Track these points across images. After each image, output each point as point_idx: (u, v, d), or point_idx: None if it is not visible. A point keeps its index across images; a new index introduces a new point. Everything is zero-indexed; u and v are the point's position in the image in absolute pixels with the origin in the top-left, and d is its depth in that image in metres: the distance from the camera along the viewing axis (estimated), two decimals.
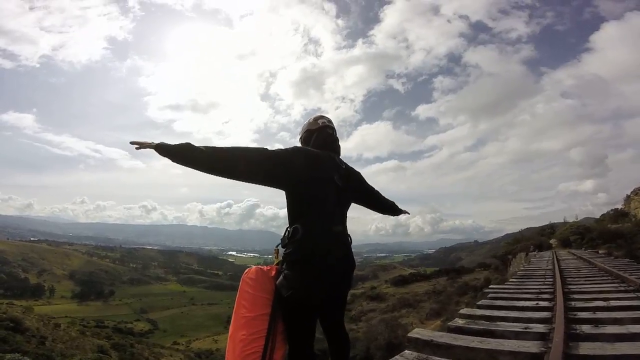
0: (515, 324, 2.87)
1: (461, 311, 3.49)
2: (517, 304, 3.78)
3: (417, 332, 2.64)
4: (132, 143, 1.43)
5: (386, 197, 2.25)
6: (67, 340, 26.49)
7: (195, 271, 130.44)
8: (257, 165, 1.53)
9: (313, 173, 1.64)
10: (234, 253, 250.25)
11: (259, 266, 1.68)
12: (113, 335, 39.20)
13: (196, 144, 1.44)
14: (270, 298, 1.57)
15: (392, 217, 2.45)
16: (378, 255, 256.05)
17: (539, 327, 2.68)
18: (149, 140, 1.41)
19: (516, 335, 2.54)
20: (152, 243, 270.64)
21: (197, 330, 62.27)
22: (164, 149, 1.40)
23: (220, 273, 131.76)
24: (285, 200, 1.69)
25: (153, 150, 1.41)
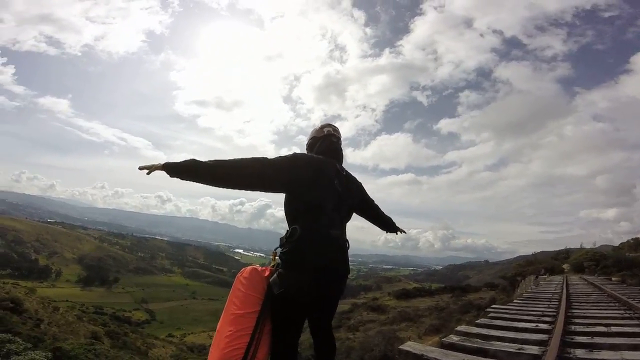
0: (510, 344, 2.82)
1: (458, 328, 3.45)
2: (517, 325, 3.71)
3: (409, 345, 2.65)
4: (140, 169, 1.53)
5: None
6: (63, 324, 26.78)
7: (201, 265, 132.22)
8: (259, 176, 1.59)
9: (312, 177, 1.68)
10: (241, 251, 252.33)
11: (254, 266, 1.73)
12: (109, 323, 39.64)
13: (201, 158, 1.53)
14: (261, 298, 1.61)
15: (400, 234, 2.46)
16: (384, 267, 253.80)
17: (533, 349, 2.62)
18: (155, 162, 1.50)
19: (508, 356, 2.53)
20: (163, 234, 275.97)
21: (194, 324, 62.72)
22: (172, 169, 1.48)
23: (224, 269, 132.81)
24: (285, 202, 1.75)
25: (162, 167, 1.49)
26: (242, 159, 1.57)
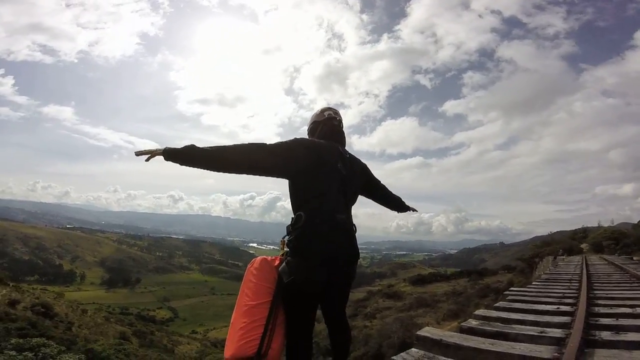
0: (531, 327, 2.71)
1: (476, 312, 3.34)
2: (537, 308, 3.57)
3: (427, 331, 2.52)
4: (137, 154, 1.53)
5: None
6: (92, 326, 27.89)
7: (217, 261, 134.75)
8: (257, 161, 1.59)
9: (315, 162, 1.66)
10: (254, 245, 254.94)
11: (264, 257, 1.73)
12: (136, 323, 41.04)
13: (224, 142, 1.69)
14: (273, 287, 1.61)
15: (412, 214, 2.45)
16: (398, 253, 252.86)
17: (556, 332, 2.50)
18: (154, 148, 1.52)
19: (530, 339, 2.40)
20: (178, 232, 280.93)
21: (215, 319, 64.17)
22: (170, 154, 1.49)
23: (240, 264, 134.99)
24: (289, 189, 1.73)
25: (162, 152, 1.49)
26: (240, 145, 1.56)
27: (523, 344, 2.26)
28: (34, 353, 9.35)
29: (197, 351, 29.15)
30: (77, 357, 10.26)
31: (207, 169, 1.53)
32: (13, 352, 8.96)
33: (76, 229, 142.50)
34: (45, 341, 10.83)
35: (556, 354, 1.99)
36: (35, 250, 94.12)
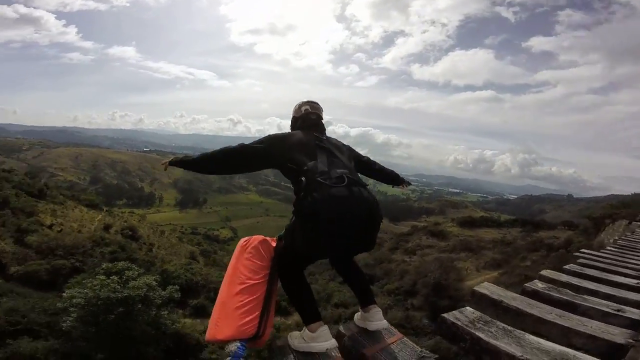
0: (605, 301, 2.25)
1: (543, 272, 2.89)
2: (613, 279, 2.97)
3: (486, 288, 2.14)
4: (162, 166, 1.79)
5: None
6: (168, 246, 33.31)
7: (272, 183, 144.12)
8: (239, 165, 1.73)
9: (293, 147, 1.69)
10: None
11: (261, 236, 1.76)
12: (202, 242, 48.05)
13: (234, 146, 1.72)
14: (269, 266, 1.64)
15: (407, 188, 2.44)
16: (450, 190, 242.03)
17: (634, 313, 2.04)
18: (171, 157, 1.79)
19: (603, 317, 1.98)
20: None
21: None
22: (175, 163, 1.74)
23: (291, 187, 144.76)
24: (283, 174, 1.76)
25: (170, 161, 1.77)
26: (224, 151, 1.70)
27: (594, 321, 1.87)
28: (119, 276, 10.71)
29: None
30: (154, 277, 11.44)
31: (202, 173, 1.81)
32: (102, 277, 10.23)
33: (152, 152, 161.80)
34: (129, 264, 12.26)
35: (631, 340, 1.63)
36: (121, 174, 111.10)
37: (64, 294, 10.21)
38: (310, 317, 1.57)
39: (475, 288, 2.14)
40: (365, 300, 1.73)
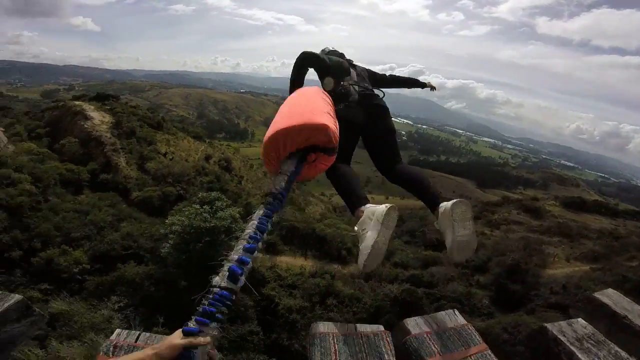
0: None
1: None
2: None
3: (610, 297, 1.53)
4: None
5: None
6: (255, 180, 36.73)
7: None
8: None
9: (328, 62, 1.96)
10: None
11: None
12: None
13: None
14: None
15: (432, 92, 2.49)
16: (562, 162, 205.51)
17: None
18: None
19: None
20: None
21: None
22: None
23: None
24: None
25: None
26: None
27: None
28: (210, 206, 11.10)
29: (320, 213, 33.75)
30: (238, 210, 11.93)
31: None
32: (197, 206, 10.91)
33: (247, 93, 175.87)
34: (219, 195, 12.48)
35: None
36: (222, 111, 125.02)
37: (167, 221, 10.95)
38: (355, 204, 1.54)
39: (596, 294, 1.57)
40: (430, 201, 1.60)
